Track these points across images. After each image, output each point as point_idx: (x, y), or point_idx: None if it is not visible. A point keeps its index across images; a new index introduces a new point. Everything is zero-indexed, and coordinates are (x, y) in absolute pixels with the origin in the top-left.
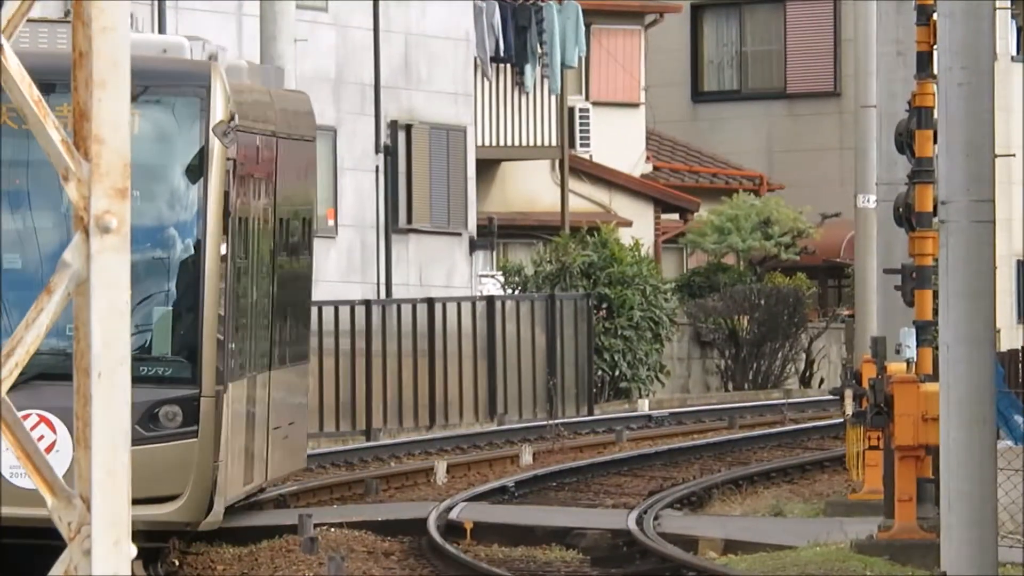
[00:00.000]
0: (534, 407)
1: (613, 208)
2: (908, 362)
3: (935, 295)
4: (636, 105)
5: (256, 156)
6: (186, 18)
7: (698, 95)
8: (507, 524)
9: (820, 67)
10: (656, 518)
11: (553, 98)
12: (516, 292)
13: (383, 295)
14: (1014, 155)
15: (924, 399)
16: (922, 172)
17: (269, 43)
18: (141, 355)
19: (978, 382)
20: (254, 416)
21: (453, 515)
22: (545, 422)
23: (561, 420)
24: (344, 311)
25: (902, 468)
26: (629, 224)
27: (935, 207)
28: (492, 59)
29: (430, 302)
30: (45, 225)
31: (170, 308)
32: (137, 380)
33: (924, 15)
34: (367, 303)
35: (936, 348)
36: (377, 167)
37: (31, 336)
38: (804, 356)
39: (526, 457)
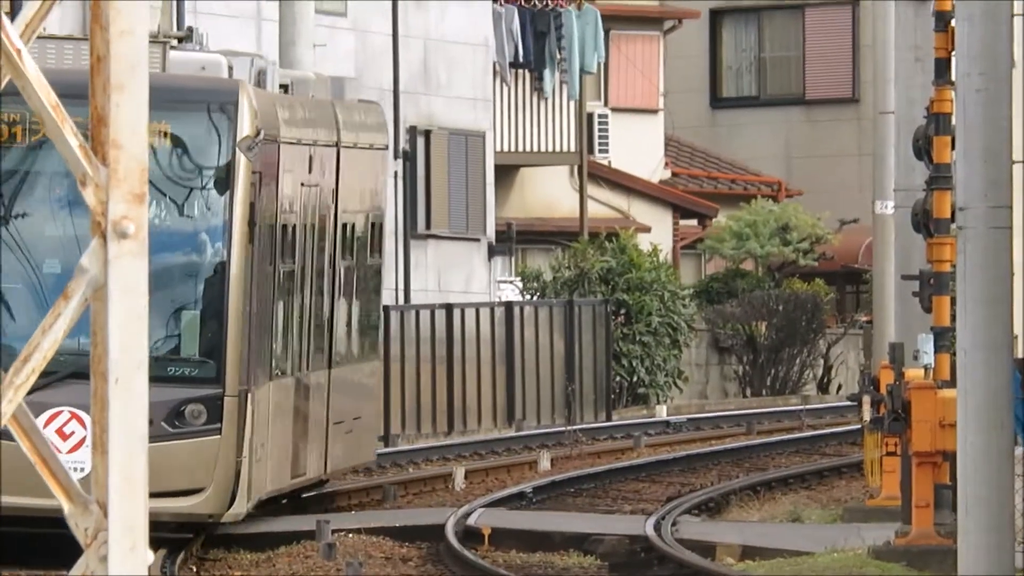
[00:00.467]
0: (552, 413)
1: (631, 214)
2: (926, 368)
3: (953, 301)
4: (655, 111)
5: (309, 165)
6: (205, 23)
7: (717, 101)
8: (525, 530)
9: (838, 73)
10: (674, 524)
11: (572, 104)
12: (534, 298)
13: (402, 300)
14: None
15: (942, 405)
16: (940, 178)
17: (288, 48)
18: (169, 356)
19: (995, 388)
20: (306, 412)
21: (471, 521)
22: (563, 428)
23: (579, 426)
24: None
25: (919, 474)
26: (648, 230)
27: (953, 213)
28: (511, 64)
29: (448, 308)
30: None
31: (197, 312)
32: (165, 380)
33: (942, 21)
34: (386, 308)
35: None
36: (396, 172)
37: (48, 342)
38: (822, 362)
39: (544, 463)
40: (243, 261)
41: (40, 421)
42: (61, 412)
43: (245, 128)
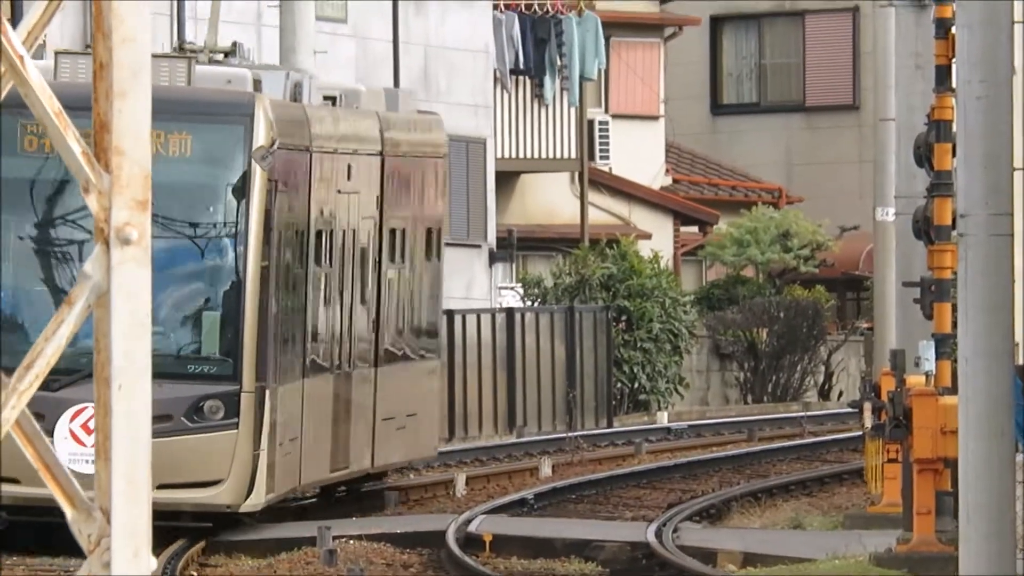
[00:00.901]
0: (553, 419)
1: (632, 220)
2: (927, 375)
3: (954, 308)
4: (655, 118)
5: (348, 173)
6: (204, 28)
7: (717, 108)
8: (526, 536)
9: (839, 80)
10: (675, 531)
11: (572, 110)
12: (535, 304)
13: None
14: None
15: (943, 412)
16: (941, 185)
17: (289, 54)
18: (190, 355)
19: (996, 395)
20: (347, 408)
21: (472, 528)
22: (564, 434)
23: (580, 432)
24: None
25: (921, 481)
26: (648, 236)
27: (954, 220)
28: (511, 71)
29: (450, 314)
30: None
31: (215, 314)
32: (185, 377)
33: (943, 28)
34: None
35: (955, 361)
36: None
37: (51, 348)
38: (823, 369)
39: (545, 469)
40: (259, 265)
41: (65, 417)
42: (85, 408)
43: (260, 139)
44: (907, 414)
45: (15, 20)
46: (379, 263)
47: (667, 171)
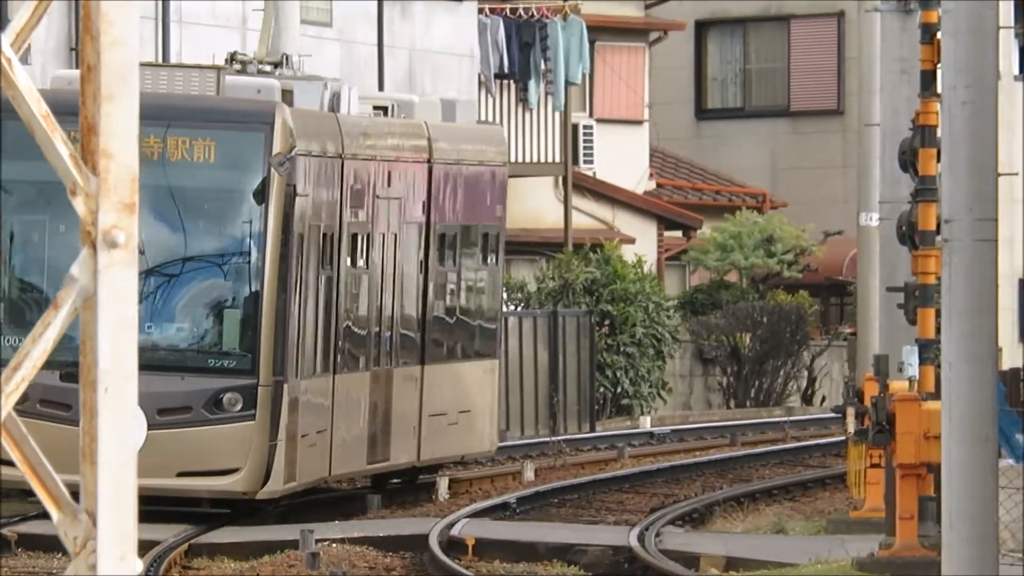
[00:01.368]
0: (536, 423)
1: (616, 225)
2: (910, 380)
3: (938, 313)
4: (640, 122)
5: (388, 179)
6: (191, 33)
7: (702, 112)
8: (509, 540)
9: (824, 85)
10: (658, 535)
11: (557, 115)
12: (519, 308)
13: None
14: (1017, 174)
15: (926, 417)
16: (925, 190)
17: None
18: (210, 349)
19: (980, 400)
20: (388, 404)
21: (455, 531)
22: (547, 438)
23: (563, 437)
24: None
25: (904, 486)
26: (632, 241)
27: (938, 225)
28: (496, 75)
29: None
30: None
31: (236, 311)
32: (205, 371)
33: (928, 33)
34: None
35: (938, 366)
36: None
37: (38, 351)
38: (806, 374)
39: (528, 473)
40: (276, 265)
41: None
42: None
43: (278, 146)
44: (890, 419)
45: (1, 23)
46: (426, 266)
47: (651, 175)
